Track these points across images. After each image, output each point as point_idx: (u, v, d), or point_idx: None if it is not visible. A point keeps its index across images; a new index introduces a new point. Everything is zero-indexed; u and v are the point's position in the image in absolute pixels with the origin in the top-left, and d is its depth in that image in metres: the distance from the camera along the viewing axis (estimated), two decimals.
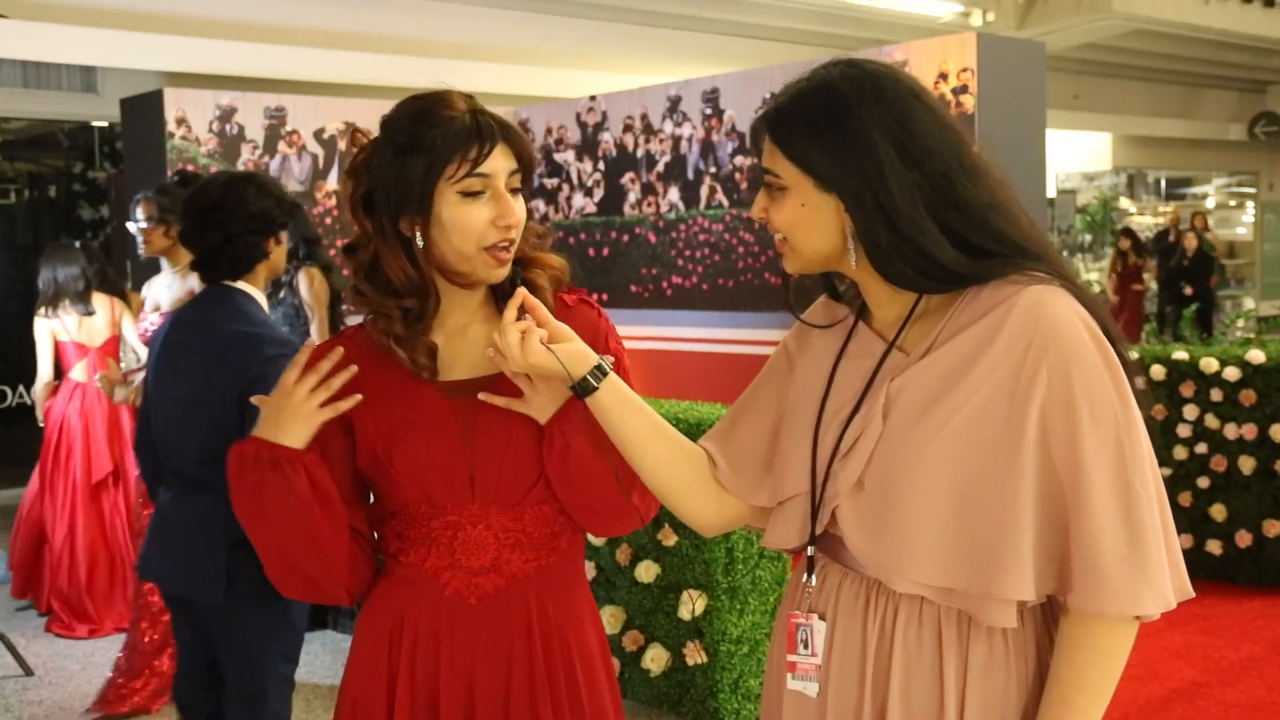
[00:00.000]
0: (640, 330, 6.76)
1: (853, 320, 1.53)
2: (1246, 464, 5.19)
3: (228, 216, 2.59)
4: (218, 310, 2.66)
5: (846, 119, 1.37)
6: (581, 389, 1.49)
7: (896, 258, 1.37)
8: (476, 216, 1.54)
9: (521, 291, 1.52)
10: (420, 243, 1.56)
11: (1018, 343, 1.32)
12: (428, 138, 1.55)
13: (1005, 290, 1.35)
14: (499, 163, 1.56)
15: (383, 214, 1.57)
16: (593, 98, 7.17)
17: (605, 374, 1.50)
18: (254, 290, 2.72)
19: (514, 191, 1.58)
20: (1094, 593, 1.30)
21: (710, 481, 1.56)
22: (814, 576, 1.48)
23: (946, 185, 1.37)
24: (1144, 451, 1.34)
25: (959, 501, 1.34)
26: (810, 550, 1.48)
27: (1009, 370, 1.32)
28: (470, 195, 1.55)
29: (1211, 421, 5.28)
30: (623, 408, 1.51)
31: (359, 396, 1.56)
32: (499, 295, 1.64)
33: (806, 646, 1.47)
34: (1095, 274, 13.65)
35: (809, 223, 1.41)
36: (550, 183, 7.40)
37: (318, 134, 6.86)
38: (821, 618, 1.47)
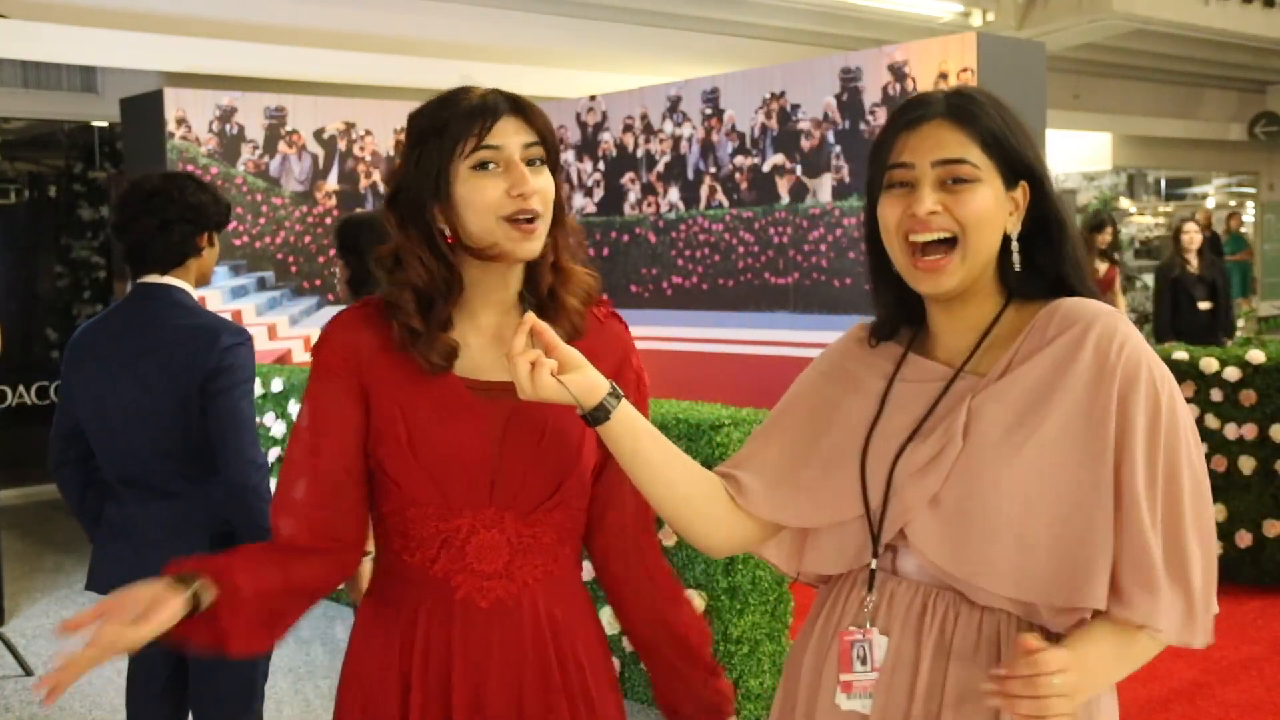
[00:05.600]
0: (640, 330, 6.74)
1: (901, 351, 1.53)
2: (1246, 464, 5.19)
3: (165, 203, 2.57)
4: (159, 307, 2.59)
5: (1020, 122, 1.46)
6: (593, 419, 1.47)
7: (1061, 254, 1.44)
8: (489, 190, 1.52)
9: (529, 317, 1.46)
10: (447, 230, 1.55)
11: (1095, 365, 1.36)
12: (440, 120, 1.54)
13: (1077, 312, 1.40)
14: (509, 135, 1.53)
15: (405, 205, 1.56)
16: (593, 98, 7.17)
17: (618, 401, 1.47)
18: (187, 285, 2.65)
19: (534, 163, 1.55)
20: (1181, 622, 1.34)
21: (722, 505, 1.54)
22: (874, 593, 1.46)
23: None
24: (1205, 478, 1.40)
25: (1040, 517, 1.35)
26: (873, 564, 1.47)
27: (1086, 391, 1.36)
28: (481, 168, 1.53)
29: (1211, 421, 5.28)
30: (634, 435, 1.49)
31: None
32: (529, 304, 1.62)
33: (864, 663, 1.45)
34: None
35: (994, 218, 1.43)
36: None
37: (318, 134, 6.86)
38: (882, 633, 1.45)
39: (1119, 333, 1.37)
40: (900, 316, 1.54)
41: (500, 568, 1.58)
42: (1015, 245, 1.44)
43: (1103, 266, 8.05)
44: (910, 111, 1.45)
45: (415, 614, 1.58)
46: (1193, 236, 7.68)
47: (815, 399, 1.57)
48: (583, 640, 1.65)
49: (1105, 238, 7.95)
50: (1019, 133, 1.44)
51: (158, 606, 1.42)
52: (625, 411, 1.48)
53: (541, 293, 1.62)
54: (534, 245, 1.54)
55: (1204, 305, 7.68)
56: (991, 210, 1.42)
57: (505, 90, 1.58)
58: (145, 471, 2.59)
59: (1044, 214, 1.44)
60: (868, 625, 1.45)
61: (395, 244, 1.57)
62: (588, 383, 1.46)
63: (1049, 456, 1.36)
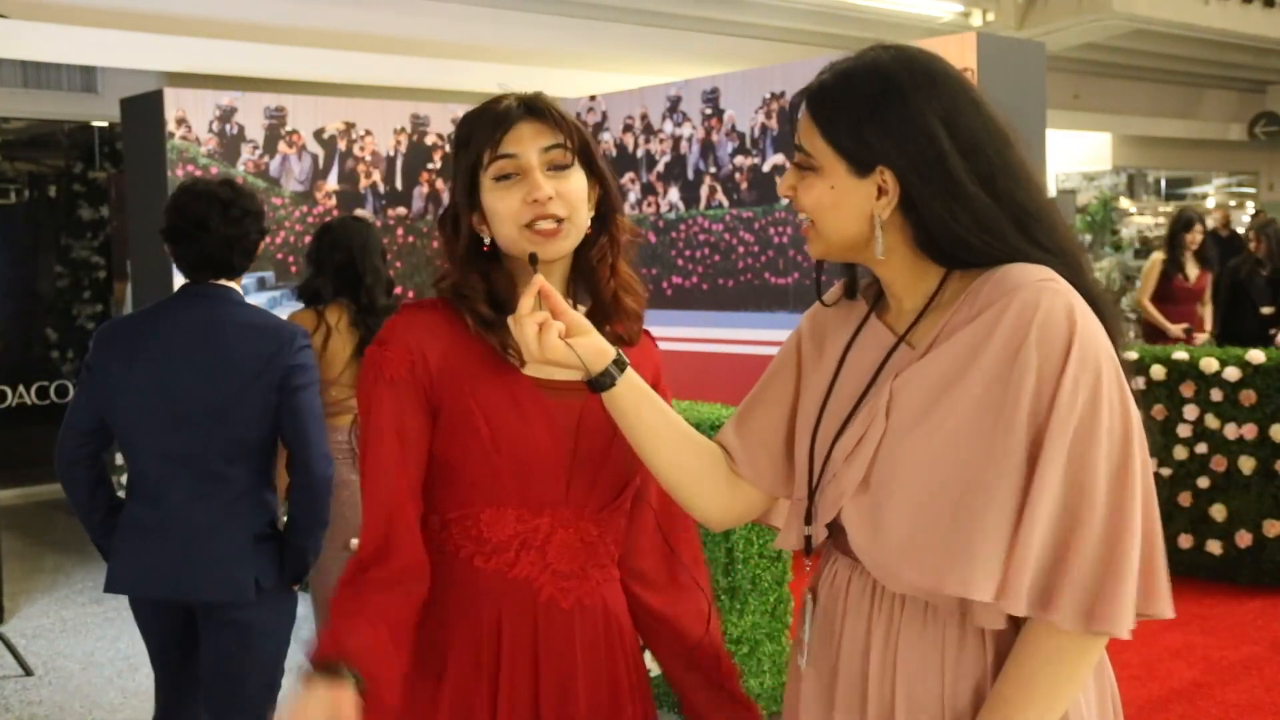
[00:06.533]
0: None
1: (867, 311, 1.51)
2: (1246, 464, 5.19)
3: (240, 213, 2.68)
4: (223, 306, 2.67)
5: (901, 100, 1.37)
6: (599, 384, 1.47)
7: (955, 226, 1.36)
8: (509, 200, 1.52)
9: (538, 279, 1.46)
10: (487, 239, 1.56)
11: (1010, 343, 1.30)
12: (466, 132, 1.56)
13: (1006, 284, 1.33)
14: (525, 142, 1.53)
15: (449, 219, 1.59)
16: (593, 98, 7.17)
17: (623, 368, 1.48)
18: (238, 287, 2.76)
19: (559, 168, 1.54)
20: (1055, 605, 1.27)
21: (722, 475, 1.55)
22: (809, 559, 1.50)
23: (986, 180, 1.37)
24: (1138, 464, 1.31)
25: (952, 502, 1.32)
26: (807, 530, 1.48)
27: (1000, 371, 1.30)
28: (502, 179, 1.53)
29: (1211, 421, 5.28)
30: (638, 403, 1.49)
31: None
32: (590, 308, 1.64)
33: (805, 625, 1.49)
34: (1096, 274, 13.62)
35: (835, 206, 1.40)
36: None
37: (318, 134, 6.85)
38: (814, 597, 1.49)
39: (1040, 306, 1.29)
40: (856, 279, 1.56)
41: (577, 568, 1.59)
42: (879, 232, 1.39)
43: (1194, 272, 7.22)
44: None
45: (498, 619, 1.56)
46: (1259, 244, 7.35)
47: (797, 363, 1.57)
48: (632, 637, 1.69)
49: (1195, 237, 7.12)
50: (870, 122, 1.37)
51: (341, 712, 1.34)
52: (630, 379, 1.48)
53: (604, 296, 1.62)
54: (557, 247, 1.54)
55: (1267, 310, 7.27)
56: (828, 199, 1.40)
57: (529, 94, 1.57)
58: (195, 470, 2.61)
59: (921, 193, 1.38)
60: (807, 589, 1.50)
61: (447, 263, 1.59)
62: (595, 347, 1.46)
63: (963, 440, 1.31)
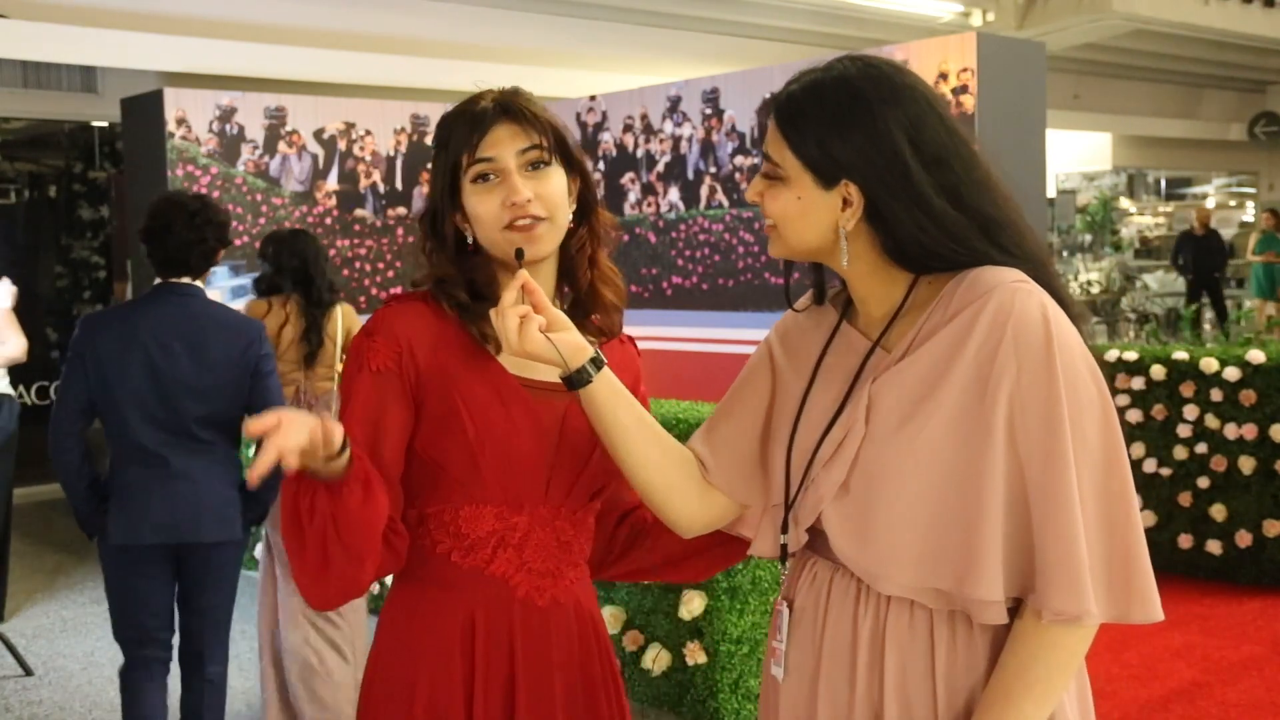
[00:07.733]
0: (640, 330, 6.74)
1: (837, 319, 1.53)
2: (1246, 464, 5.19)
3: (203, 223, 3.10)
4: (199, 304, 3.11)
5: (867, 114, 1.39)
6: (576, 381, 1.48)
7: (921, 236, 1.38)
8: (489, 203, 1.54)
9: (522, 274, 1.47)
10: (470, 237, 1.58)
11: (987, 344, 1.32)
12: (445, 133, 1.58)
13: (979, 287, 1.35)
14: (502, 144, 1.54)
15: (430, 218, 1.60)
16: (593, 98, 7.17)
17: (600, 367, 1.49)
18: (202, 286, 3.19)
19: (535, 166, 1.56)
20: (1067, 596, 1.29)
21: (694, 481, 1.55)
22: (786, 564, 1.52)
23: (952, 192, 1.39)
24: (1125, 457, 1.35)
25: (937, 503, 1.34)
26: (783, 538, 1.50)
27: (979, 371, 1.33)
28: (480, 181, 1.55)
29: (1211, 421, 5.28)
30: (614, 402, 1.50)
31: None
32: (567, 299, 1.65)
33: (779, 633, 1.50)
34: (1095, 274, 13.65)
35: (801, 216, 1.44)
36: None
37: (318, 134, 6.86)
38: (790, 606, 1.49)
39: (1015, 307, 1.32)
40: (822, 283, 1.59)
41: (552, 567, 1.60)
42: (844, 242, 1.43)
43: None
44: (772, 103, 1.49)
45: (472, 614, 1.57)
46: None
47: (769, 372, 1.58)
48: (606, 634, 1.70)
49: None
50: (836, 136, 1.39)
51: (331, 431, 1.37)
52: (607, 377, 1.49)
53: (582, 287, 1.64)
54: (537, 248, 1.55)
55: None
56: (794, 209, 1.43)
57: (506, 92, 1.59)
58: (187, 437, 3.05)
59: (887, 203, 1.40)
60: (782, 598, 1.51)
61: (430, 264, 1.60)
62: (574, 344, 1.47)
63: (945, 443, 1.34)
